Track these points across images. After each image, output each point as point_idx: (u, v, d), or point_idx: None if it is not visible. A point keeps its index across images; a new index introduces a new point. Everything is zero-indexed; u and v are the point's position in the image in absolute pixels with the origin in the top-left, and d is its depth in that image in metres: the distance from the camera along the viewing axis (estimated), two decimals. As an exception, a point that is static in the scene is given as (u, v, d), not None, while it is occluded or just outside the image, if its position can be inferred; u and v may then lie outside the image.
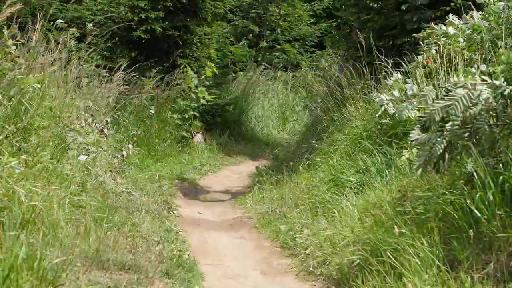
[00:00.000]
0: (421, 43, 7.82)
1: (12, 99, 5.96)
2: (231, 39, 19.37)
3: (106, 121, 10.30)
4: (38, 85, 6.35)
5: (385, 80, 8.08)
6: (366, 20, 10.48)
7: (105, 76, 11.67)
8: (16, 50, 6.33)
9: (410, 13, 9.36)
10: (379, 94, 7.30)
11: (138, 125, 12.29)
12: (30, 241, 4.31)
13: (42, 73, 6.82)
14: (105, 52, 13.40)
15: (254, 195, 9.42)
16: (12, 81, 5.96)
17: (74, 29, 9.71)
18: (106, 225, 6.13)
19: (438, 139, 4.29)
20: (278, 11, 19.79)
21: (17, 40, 6.04)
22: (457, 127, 4.17)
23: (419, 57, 7.60)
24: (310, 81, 14.23)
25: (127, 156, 10.64)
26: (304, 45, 20.50)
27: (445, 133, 4.26)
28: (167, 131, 12.97)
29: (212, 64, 15.32)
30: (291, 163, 9.71)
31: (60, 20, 9.47)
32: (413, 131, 4.57)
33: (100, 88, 11.09)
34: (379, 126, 7.32)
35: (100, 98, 10.84)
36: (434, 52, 7.19)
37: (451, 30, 7.41)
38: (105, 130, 9.97)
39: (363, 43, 9.42)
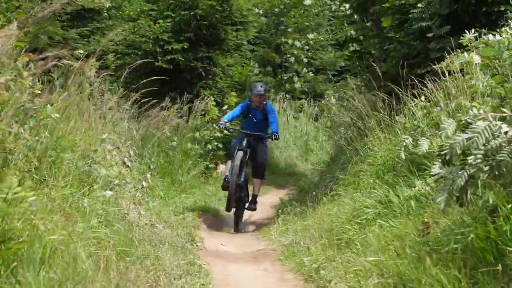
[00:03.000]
0: (444, 70, 7.74)
1: (32, 130, 5.95)
2: (254, 67, 19.44)
3: (129, 153, 10.34)
4: (57, 115, 6.34)
5: (409, 107, 8.05)
6: (388, 50, 10.48)
7: (129, 108, 11.74)
8: (34, 81, 6.34)
9: (433, 42, 9.32)
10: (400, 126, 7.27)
11: (161, 157, 12.32)
12: (50, 276, 4.30)
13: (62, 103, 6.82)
14: (127, 83, 13.46)
15: (278, 226, 9.37)
16: (29, 112, 5.96)
17: (93, 60, 9.73)
18: (128, 258, 6.10)
19: (460, 172, 4.24)
20: (300, 41, 19.82)
21: (33, 72, 6.03)
22: (479, 160, 4.12)
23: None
24: (333, 110, 14.21)
25: (151, 188, 10.66)
26: (327, 74, 20.52)
27: (466, 166, 4.20)
28: (190, 162, 12.98)
29: (234, 93, 15.38)
30: (315, 194, 9.66)
31: (79, 51, 9.48)
32: (434, 165, 4.52)
33: (123, 120, 11.17)
34: (403, 157, 7.25)
35: (124, 131, 10.91)
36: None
37: (476, 58, 7.27)
38: (129, 163, 10.01)
39: (385, 73, 9.42)
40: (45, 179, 6.04)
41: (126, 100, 11.69)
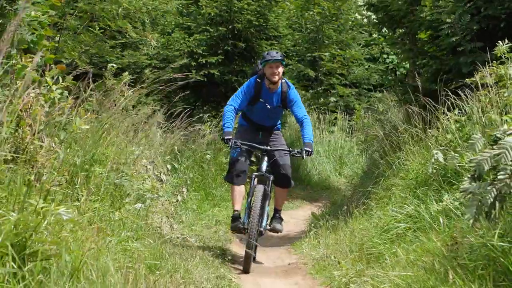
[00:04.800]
0: (479, 84, 7.68)
1: (63, 144, 6.03)
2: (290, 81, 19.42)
3: (165, 167, 10.42)
4: (87, 127, 6.41)
5: (442, 121, 8.01)
6: (421, 65, 10.45)
7: (163, 121, 11.83)
8: (64, 94, 6.42)
9: (465, 56, 9.27)
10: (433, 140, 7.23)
11: (196, 170, 12.37)
12: (78, 289, 4.34)
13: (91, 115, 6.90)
14: (162, 97, 13.57)
15: (309, 240, 9.35)
16: (59, 125, 6.03)
17: (127, 73, 9.82)
18: (158, 272, 6.13)
19: (488, 188, 4.20)
20: (333, 55, 19.80)
21: (64, 85, 6.11)
22: (507, 176, 4.08)
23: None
24: (367, 124, 14.17)
25: (184, 201, 10.72)
26: (361, 88, 20.47)
27: (495, 182, 4.17)
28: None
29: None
30: (347, 207, 9.64)
31: (112, 64, 9.58)
32: (464, 181, 4.50)
33: (158, 133, 11.26)
34: (435, 171, 7.21)
35: (159, 145, 11.00)
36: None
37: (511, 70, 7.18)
38: (163, 176, 10.07)
39: (418, 87, 9.38)
40: (77, 193, 6.11)
41: (161, 113, 11.78)
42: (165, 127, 11.94)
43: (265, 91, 8.65)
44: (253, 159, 10.15)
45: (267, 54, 8.58)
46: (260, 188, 8.23)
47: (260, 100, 8.64)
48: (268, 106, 8.67)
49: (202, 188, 12.16)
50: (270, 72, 8.46)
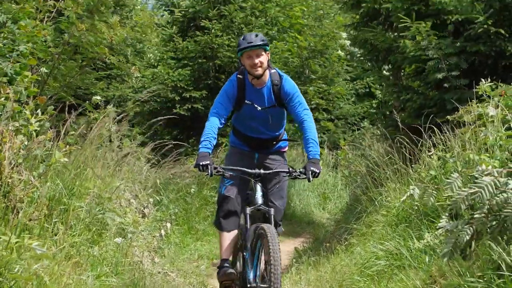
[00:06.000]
0: (460, 121, 7.70)
1: (41, 177, 6.01)
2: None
3: (149, 201, 10.40)
4: (66, 159, 6.37)
5: (424, 158, 8.03)
6: (405, 100, 10.50)
7: (147, 155, 11.82)
8: (46, 127, 6.43)
9: (450, 92, 9.31)
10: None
11: (179, 204, 12.33)
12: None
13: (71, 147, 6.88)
14: (146, 130, 13.57)
15: (291, 276, 9.29)
16: (38, 158, 6.01)
17: (111, 106, 9.82)
18: (136, 308, 6.10)
19: (465, 226, 4.21)
20: (318, 89, 19.86)
21: (40, 117, 6.11)
22: (483, 215, 4.09)
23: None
24: (351, 159, 14.19)
25: (167, 235, 10.67)
26: (346, 123, 20.52)
27: (471, 221, 4.18)
28: (208, 209, 12.96)
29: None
30: (328, 244, 9.62)
31: (97, 97, 9.57)
32: (441, 219, 4.51)
33: (141, 166, 11.24)
34: (416, 208, 7.22)
35: (143, 177, 10.98)
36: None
37: (491, 110, 7.19)
38: (146, 210, 10.05)
39: (403, 121, 9.41)
40: (55, 227, 6.07)
41: (145, 146, 11.78)
42: (148, 160, 11.92)
43: (250, 89, 6.61)
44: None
45: (242, 39, 6.48)
46: (272, 231, 5.84)
47: (246, 101, 6.60)
48: (258, 108, 6.60)
49: (186, 221, 12.10)
50: (250, 64, 6.44)
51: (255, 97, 6.58)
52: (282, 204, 6.84)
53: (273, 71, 6.63)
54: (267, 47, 6.47)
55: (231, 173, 6.41)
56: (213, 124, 6.36)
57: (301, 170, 6.29)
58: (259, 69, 6.41)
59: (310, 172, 6.15)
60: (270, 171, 6.55)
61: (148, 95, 12.77)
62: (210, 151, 6.24)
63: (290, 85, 6.61)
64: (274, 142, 6.91)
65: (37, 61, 7.56)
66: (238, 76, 6.59)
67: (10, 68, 6.27)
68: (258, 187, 6.46)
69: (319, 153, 6.35)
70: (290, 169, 6.45)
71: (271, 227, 5.96)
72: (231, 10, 15.13)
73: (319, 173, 6.21)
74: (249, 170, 6.43)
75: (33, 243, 4.22)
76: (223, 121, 6.48)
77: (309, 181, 6.18)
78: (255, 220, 6.40)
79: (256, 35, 6.43)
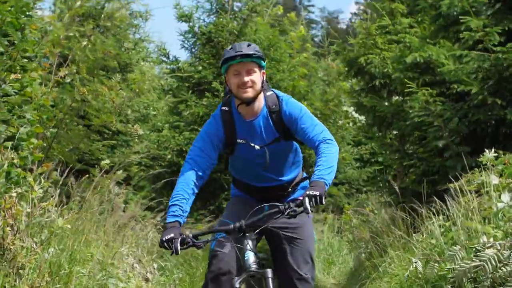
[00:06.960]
0: (463, 189, 7.68)
1: (44, 244, 6.01)
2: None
3: (152, 266, 10.35)
4: (69, 226, 6.37)
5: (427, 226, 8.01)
6: (408, 166, 10.51)
7: (152, 219, 11.81)
8: (48, 194, 6.47)
9: (452, 159, 9.32)
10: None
11: (184, 268, 12.25)
12: None
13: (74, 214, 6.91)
14: (151, 195, 13.56)
15: None
16: (40, 224, 6.03)
17: (121, 172, 9.85)
18: None
19: (468, 299, 4.20)
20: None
21: (44, 185, 6.14)
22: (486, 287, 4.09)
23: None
24: (355, 225, 14.14)
25: (172, 301, 10.61)
26: (350, 188, 20.49)
27: (474, 294, 4.18)
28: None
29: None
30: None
31: (106, 161, 9.56)
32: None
33: (146, 231, 11.22)
34: (419, 276, 7.18)
35: (147, 243, 10.95)
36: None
37: (494, 179, 7.16)
38: (149, 275, 10.00)
39: (406, 188, 9.42)
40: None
41: (150, 211, 11.78)
42: (153, 225, 11.89)
43: (241, 123, 4.96)
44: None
45: (230, 49, 4.81)
46: None
47: (239, 141, 4.97)
48: (257, 147, 4.94)
49: (190, 286, 12.01)
50: (237, 83, 4.79)
51: (249, 133, 4.95)
52: (309, 271, 5.17)
53: (269, 93, 4.97)
54: (262, 61, 4.85)
55: (205, 240, 4.68)
56: (187, 181, 4.80)
57: (297, 202, 4.46)
58: (249, 90, 4.77)
59: (306, 199, 4.30)
60: (254, 218, 4.55)
61: (142, 155, 12.82)
62: (181, 220, 4.71)
63: (293, 106, 4.95)
64: (290, 189, 5.19)
65: (43, 129, 7.62)
66: (223, 108, 4.98)
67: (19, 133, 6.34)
68: (248, 245, 4.56)
69: (324, 176, 4.50)
70: (281, 206, 4.48)
71: None
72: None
73: (320, 197, 4.32)
74: (227, 227, 4.62)
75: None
76: (202, 175, 4.86)
77: (307, 213, 4.32)
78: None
79: (249, 45, 4.80)
